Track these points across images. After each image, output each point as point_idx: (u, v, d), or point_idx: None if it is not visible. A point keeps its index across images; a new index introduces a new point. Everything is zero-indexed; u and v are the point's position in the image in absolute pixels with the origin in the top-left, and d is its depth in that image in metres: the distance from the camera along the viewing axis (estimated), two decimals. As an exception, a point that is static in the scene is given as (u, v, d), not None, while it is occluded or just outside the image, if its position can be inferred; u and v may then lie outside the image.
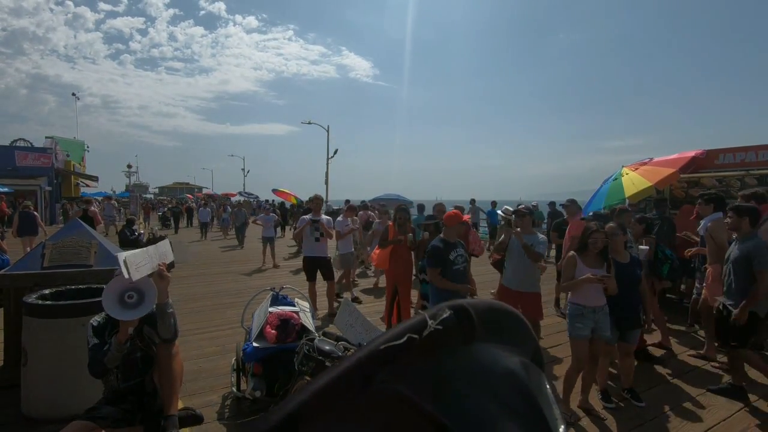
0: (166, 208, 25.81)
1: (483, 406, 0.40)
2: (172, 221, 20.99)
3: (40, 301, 3.15)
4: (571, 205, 6.32)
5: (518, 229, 4.30)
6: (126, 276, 2.27)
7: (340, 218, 6.96)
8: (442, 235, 3.99)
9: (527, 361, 0.47)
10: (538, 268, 4.26)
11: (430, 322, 0.40)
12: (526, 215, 4.34)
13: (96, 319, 2.51)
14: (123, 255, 2.35)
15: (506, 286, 4.41)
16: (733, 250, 3.70)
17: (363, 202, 13.78)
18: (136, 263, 2.36)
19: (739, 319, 3.43)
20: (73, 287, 3.47)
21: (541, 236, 4.36)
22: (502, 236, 4.67)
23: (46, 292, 3.31)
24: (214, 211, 22.07)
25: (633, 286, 3.50)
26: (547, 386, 0.47)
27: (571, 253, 3.42)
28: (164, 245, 2.75)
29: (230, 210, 19.12)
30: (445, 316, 0.41)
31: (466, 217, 5.54)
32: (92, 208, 11.53)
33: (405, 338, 0.38)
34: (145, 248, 2.58)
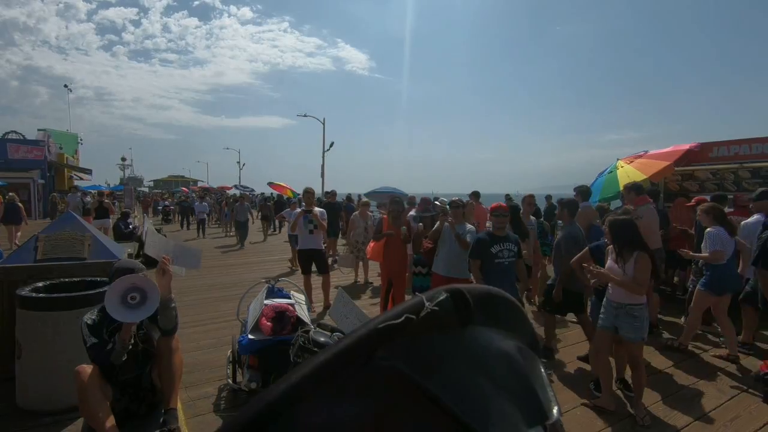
0: (167, 202, 24.20)
1: (477, 384, 0.42)
2: (180, 216, 18.78)
3: (33, 294, 3.13)
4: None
5: (451, 219, 4.59)
6: (144, 240, 2.34)
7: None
8: (490, 228, 4.04)
9: (522, 346, 0.49)
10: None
11: (427, 303, 0.41)
12: (460, 207, 4.70)
13: (90, 317, 2.49)
14: (150, 226, 2.41)
15: (437, 273, 4.64)
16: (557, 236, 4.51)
17: (359, 196, 13.76)
18: (153, 240, 2.40)
19: (556, 296, 4.16)
20: (67, 280, 3.46)
21: (470, 226, 4.68)
22: (436, 224, 4.88)
23: (40, 284, 3.30)
24: (212, 205, 19.83)
25: None
26: (542, 370, 0.49)
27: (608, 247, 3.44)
28: (184, 248, 2.81)
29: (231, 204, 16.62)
30: (441, 298, 0.42)
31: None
32: (106, 200, 12.62)
33: (403, 318, 0.40)
34: (161, 236, 2.63)
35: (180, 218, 18.78)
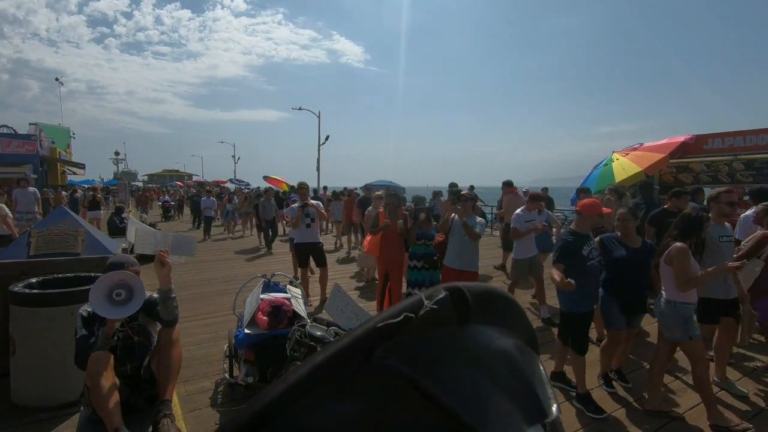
0: (167, 197, 22.58)
1: (476, 382, 0.42)
2: (192, 215, 16.77)
3: (27, 290, 3.11)
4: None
5: (459, 208, 4.59)
6: (130, 241, 2.31)
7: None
8: (573, 227, 3.53)
9: (521, 344, 0.49)
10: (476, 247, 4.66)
11: (426, 302, 0.41)
12: (469, 200, 4.68)
13: (86, 309, 2.49)
14: (134, 225, 2.38)
15: (448, 266, 4.64)
16: None
17: (355, 189, 13.67)
18: (143, 238, 2.38)
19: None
20: (60, 275, 3.43)
21: (479, 218, 4.70)
22: (444, 216, 4.91)
23: (33, 280, 3.27)
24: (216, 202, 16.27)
25: (644, 272, 3.47)
26: (542, 368, 0.48)
27: (680, 244, 3.09)
28: (178, 238, 2.79)
29: (236, 200, 14.65)
30: (440, 296, 0.42)
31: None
32: (98, 195, 13.01)
33: (402, 317, 0.40)
34: (154, 230, 2.61)
35: (192, 217, 16.64)
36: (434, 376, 0.40)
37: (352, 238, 10.80)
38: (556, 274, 3.10)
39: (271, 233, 10.75)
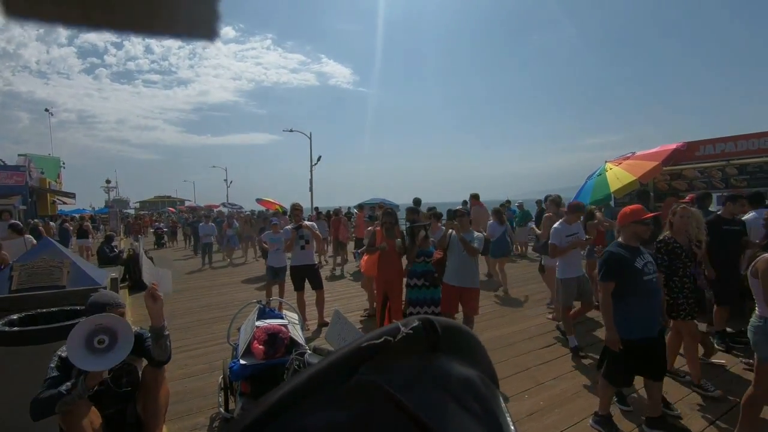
0: (161, 224, 22.15)
1: (445, 402, 0.47)
2: (192, 240, 16.09)
3: (6, 328, 2.92)
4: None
5: (456, 224, 4.50)
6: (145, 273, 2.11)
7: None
8: (621, 240, 3.11)
9: (483, 376, 0.54)
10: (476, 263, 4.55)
11: (402, 328, 0.48)
12: (465, 215, 4.60)
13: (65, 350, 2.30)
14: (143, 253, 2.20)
15: (448, 283, 4.51)
16: None
17: (348, 208, 13.60)
18: (147, 267, 2.20)
19: None
20: (44, 311, 3.25)
21: (477, 233, 4.57)
22: (443, 233, 4.81)
23: (15, 317, 3.09)
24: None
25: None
26: (501, 399, 0.52)
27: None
28: (164, 274, 2.62)
29: (236, 225, 13.78)
30: (414, 324, 0.49)
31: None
32: (86, 222, 13.17)
33: (382, 339, 0.46)
34: (150, 262, 2.45)
35: (186, 242, 16.16)
36: (408, 392, 0.45)
37: (337, 256, 10.85)
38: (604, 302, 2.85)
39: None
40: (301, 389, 0.42)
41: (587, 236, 4.91)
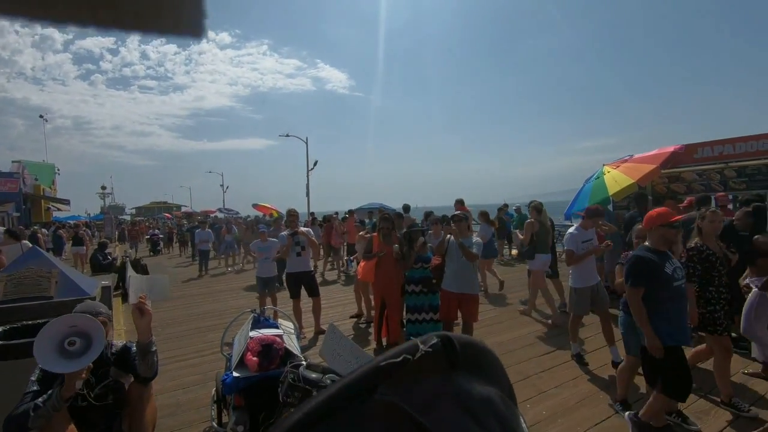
0: (156, 231, 21.38)
1: (466, 423, 0.45)
2: (190, 248, 15.49)
3: (-10, 341, 2.83)
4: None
5: (454, 229, 4.38)
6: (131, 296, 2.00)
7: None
8: (647, 243, 2.98)
9: (502, 394, 0.52)
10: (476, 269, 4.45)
11: (421, 346, 0.46)
12: (462, 220, 4.46)
13: None
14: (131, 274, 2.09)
15: (446, 289, 4.41)
16: None
17: (345, 213, 13.51)
18: (136, 287, 2.10)
19: None
20: (30, 322, 3.15)
21: (475, 238, 4.48)
22: (441, 237, 4.71)
23: (0, 329, 2.99)
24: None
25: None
26: (521, 419, 0.51)
27: None
28: (160, 281, 2.52)
29: (236, 231, 13.45)
30: (433, 342, 0.47)
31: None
32: (82, 230, 13.48)
33: (401, 357, 0.45)
34: (142, 276, 2.34)
35: (181, 250, 16.00)
36: (426, 412, 0.43)
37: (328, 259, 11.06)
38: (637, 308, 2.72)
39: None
40: (318, 411, 0.41)
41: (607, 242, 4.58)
